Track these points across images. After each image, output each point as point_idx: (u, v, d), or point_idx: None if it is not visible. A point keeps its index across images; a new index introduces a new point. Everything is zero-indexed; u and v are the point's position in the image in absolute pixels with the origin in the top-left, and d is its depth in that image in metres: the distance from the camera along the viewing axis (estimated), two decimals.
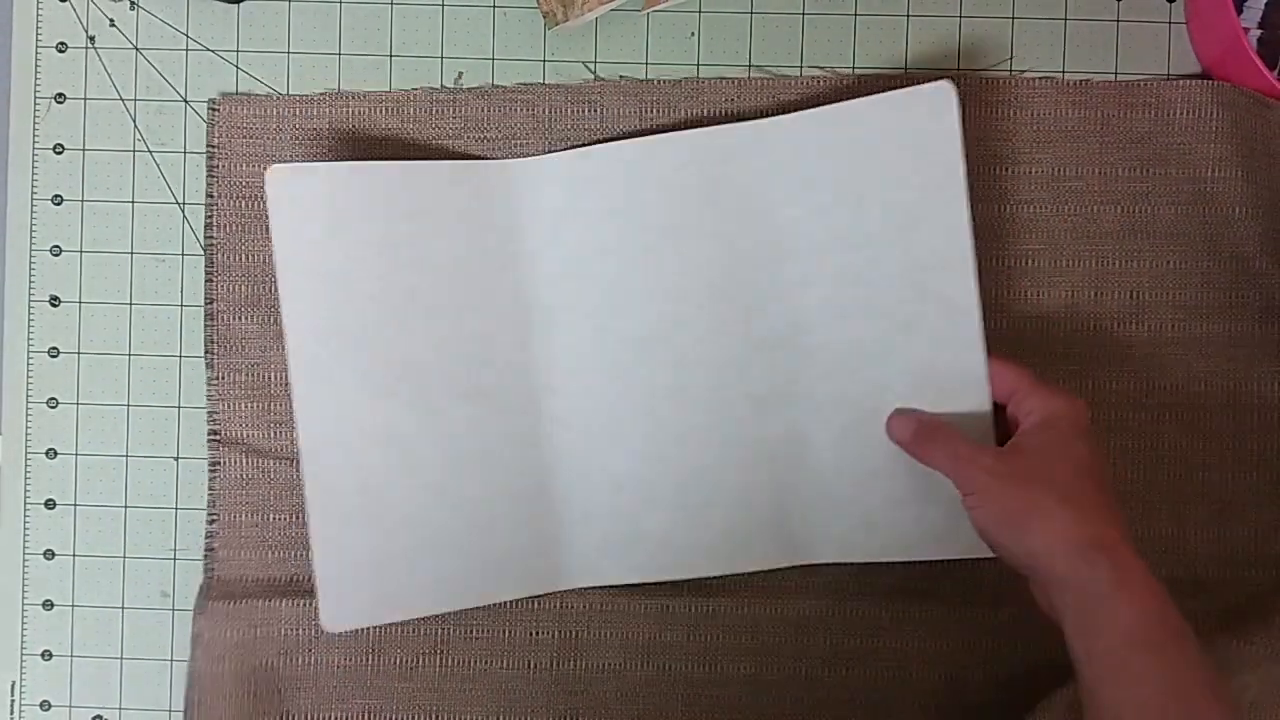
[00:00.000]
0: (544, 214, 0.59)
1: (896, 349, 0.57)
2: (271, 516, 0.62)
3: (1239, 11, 0.60)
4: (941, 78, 0.58)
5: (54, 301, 0.63)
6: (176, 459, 0.63)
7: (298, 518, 0.62)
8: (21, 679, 0.63)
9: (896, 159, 0.56)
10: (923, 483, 0.57)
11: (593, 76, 0.62)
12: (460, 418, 0.59)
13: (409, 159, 0.60)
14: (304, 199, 0.57)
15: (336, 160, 0.61)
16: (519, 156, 0.61)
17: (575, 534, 0.60)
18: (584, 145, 0.60)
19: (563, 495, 0.60)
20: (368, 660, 0.61)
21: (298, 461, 0.57)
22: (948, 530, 0.57)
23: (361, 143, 0.62)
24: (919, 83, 0.57)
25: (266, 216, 0.57)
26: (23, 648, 0.63)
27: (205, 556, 0.62)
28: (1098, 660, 0.50)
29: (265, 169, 0.56)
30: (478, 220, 0.59)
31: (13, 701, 0.63)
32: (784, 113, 0.59)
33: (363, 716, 0.61)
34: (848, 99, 0.57)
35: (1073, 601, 0.50)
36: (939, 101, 0.55)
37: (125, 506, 0.63)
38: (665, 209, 0.59)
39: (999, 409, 0.57)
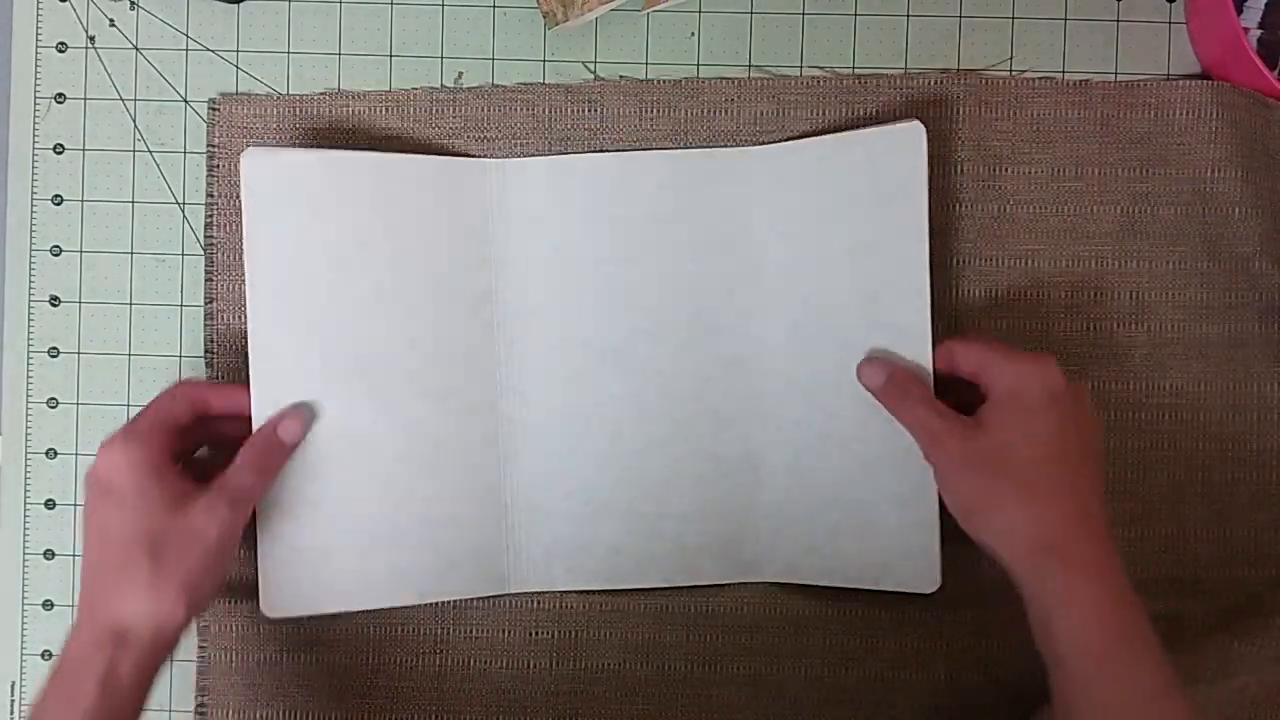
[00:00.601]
0: (519, 217, 0.60)
1: (851, 376, 0.58)
2: None
3: (1239, 11, 0.60)
4: (941, 78, 0.59)
5: (54, 301, 0.63)
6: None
7: None
8: (21, 679, 0.63)
9: (865, 193, 0.58)
10: (867, 514, 0.58)
11: (593, 76, 0.62)
12: (418, 413, 0.59)
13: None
14: (278, 183, 0.57)
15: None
16: (519, 156, 0.61)
17: (525, 537, 0.60)
18: (576, 148, 0.61)
19: (516, 498, 0.60)
20: (368, 659, 0.61)
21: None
22: (886, 564, 0.58)
23: (361, 142, 0.61)
24: (918, 82, 0.60)
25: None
26: (23, 648, 0.63)
27: None
28: (1053, 663, 0.51)
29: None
30: (451, 217, 0.59)
31: (13, 702, 0.63)
32: (783, 112, 0.61)
33: (363, 715, 0.61)
34: (849, 96, 0.58)
35: (1029, 603, 0.51)
36: (910, 140, 0.57)
37: None
38: (641, 224, 0.59)
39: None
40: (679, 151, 0.60)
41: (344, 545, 0.58)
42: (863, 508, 0.58)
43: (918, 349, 0.57)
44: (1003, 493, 0.52)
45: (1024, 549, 0.51)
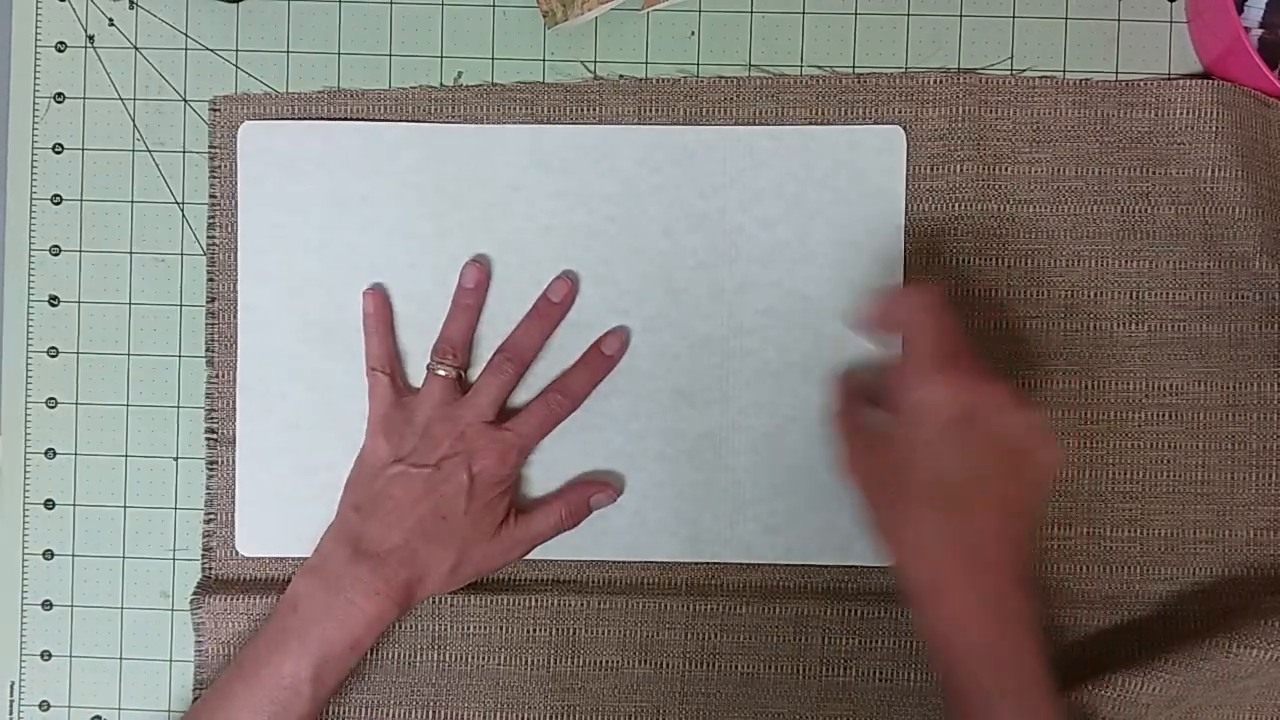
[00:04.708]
0: (496, 185, 0.61)
1: (821, 363, 0.60)
2: None
3: (1239, 11, 0.60)
4: (941, 77, 0.60)
5: (54, 301, 0.63)
6: (175, 459, 0.63)
7: None
8: (21, 679, 0.63)
9: (846, 187, 0.60)
10: (832, 492, 0.60)
11: (592, 76, 0.62)
12: None
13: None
14: (271, 151, 0.61)
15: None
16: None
17: None
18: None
19: None
20: (366, 655, 0.61)
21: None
22: (850, 538, 0.60)
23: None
24: (918, 82, 0.60)
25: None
26: (22, 648, 0.63)
27: (203, 556, 0.62)
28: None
29: (239, 128, 0.61)
30: (428, 183, 0.61)
31: (12, 702, 0.63)
32: (783, 112, 0.61)
33: (361, 711, 0.61)
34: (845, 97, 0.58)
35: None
36: (890, 142, 0.60)
37: (125, 506, 0.63)
38: (618, 199, 0.61)
39: None
40: (658, 127, 0.61)
41: (310, 496, 0.61)
42: (827, 488, 0.60)
43: (888, 343, 0.59)
44: (895, 530, 0.52)
45: (903, 584, 0.51)
